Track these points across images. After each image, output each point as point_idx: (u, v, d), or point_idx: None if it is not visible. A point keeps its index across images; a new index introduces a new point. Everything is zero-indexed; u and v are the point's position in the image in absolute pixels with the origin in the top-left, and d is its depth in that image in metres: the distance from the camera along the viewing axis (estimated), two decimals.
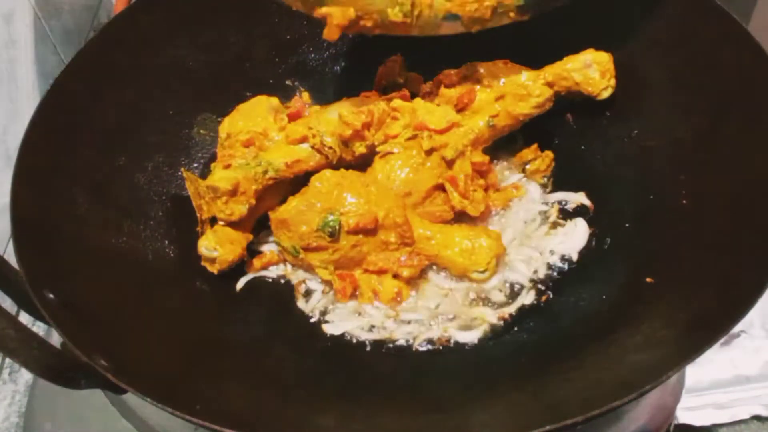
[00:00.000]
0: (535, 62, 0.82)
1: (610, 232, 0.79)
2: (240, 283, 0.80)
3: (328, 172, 0.77)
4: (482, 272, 0.76)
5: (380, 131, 0.81)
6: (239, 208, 0.78)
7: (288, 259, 0.80)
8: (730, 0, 0.78)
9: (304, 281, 0.80)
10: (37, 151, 0.76)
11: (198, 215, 0.79)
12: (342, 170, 0.77)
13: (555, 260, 0.79)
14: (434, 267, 0.79)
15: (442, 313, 0.76)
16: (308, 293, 0.79)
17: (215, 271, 0.78)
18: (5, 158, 1.00)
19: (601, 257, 0.78)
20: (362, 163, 0.81)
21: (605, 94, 0.82)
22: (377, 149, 0.81)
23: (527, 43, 0.82)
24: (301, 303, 0.79)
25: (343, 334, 0.75)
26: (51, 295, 0.64)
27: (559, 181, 0.86)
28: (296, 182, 0.80)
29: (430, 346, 0.74)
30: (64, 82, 0.81)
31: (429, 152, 0.79)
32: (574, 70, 0.81)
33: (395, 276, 0.77)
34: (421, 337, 0.74)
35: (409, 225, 0.76)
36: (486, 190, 0.82)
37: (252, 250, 0.82)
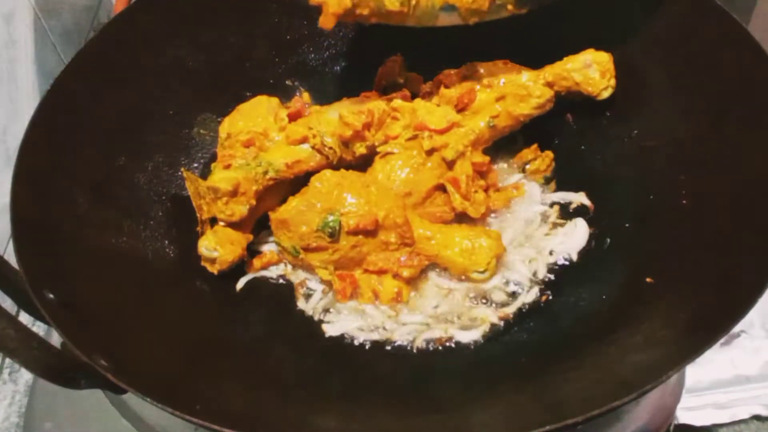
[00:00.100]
0: (535, 62, 0.82)
1: (610, 232, 0.79)
2: (240, 283, 0.80)
3: (328, 173, 0.77)
4: (482, 272, 0.76)
5: (380, 131, 0.81)
6: (240, 209, 0.78)
7: (288, 259, 0.80)
8: (730, 0, 0.78)
9: (304, 281, 0.80)
10: (37, 151, 0.76)
11: (198, 215, 0.79)
12: (342, 170, 0.77)
13: (555, 260, 0.79)
14: (434, 267, 0.79)
15: (442, 313, 0.76)
16: (308, 293, 0.79)
17: (215, 272, 0.78)
18: (5, 158, 1.00)
19: (601, 257, 0.78)
20: (362, 164, 0.81)
21: (605, 94, 0.82)
22: (377, 149, 0.81)
23: (527, 43, 0.83)
24: (301, 303, 0.79)
25: (343, 335, 0.75)
26: (51, 295, 0.64)
27: (559, 181, 0.86)
28: (296, 182, 0.80)
29: (430, 347, 0.74)
30: (64, 82, 0.81)
31: (429, 152, 0.79)
32: (574, 70, 0.81)
33: (395, 276, 0.77)
34: (421, 337, 0.74)
35: (409, 225, 0.76)
36: (486, 190, 0.82)
37: (252, 250, 0.82)
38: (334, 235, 0.75)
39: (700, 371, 0.97)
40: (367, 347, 0.74)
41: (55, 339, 0.71)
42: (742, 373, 0.98)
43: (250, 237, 0.81)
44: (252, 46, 0.94)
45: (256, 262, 0.81)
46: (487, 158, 0.81)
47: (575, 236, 0.80)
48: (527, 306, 0.76)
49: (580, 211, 0.83)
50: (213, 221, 0.80)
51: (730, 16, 0.78)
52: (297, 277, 0.80)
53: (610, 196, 0.82)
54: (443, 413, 0.64)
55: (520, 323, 0.75)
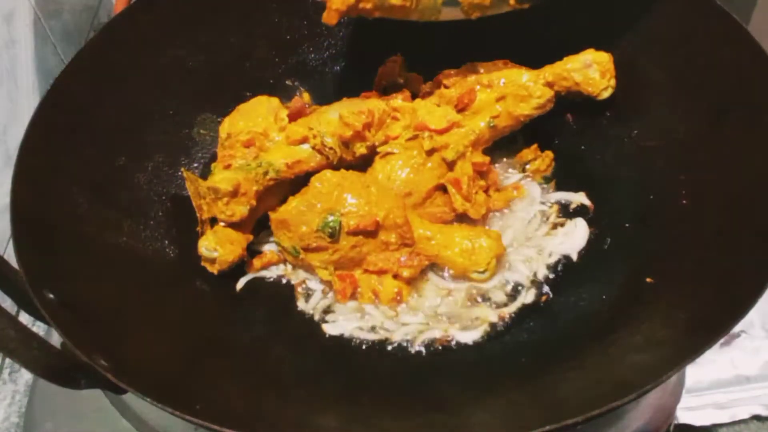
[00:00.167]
0: (535, 62, 0.82)
1: (610, 232, 0.79)
2: (240, 283, 0.80)
3: (328, 173, 0.77)
4: (482, 272, 0.76)
5: (381, 132, 0.81)
6: (240, 209, 0.78)
7: (288, 259, 0.80)
8: (730, 0, 0.78)
9: (304, 281, 0.80)
10: (37, 151, 0.76)
11: (198, 215, 0.79)
12: (342, 171, 0.77)
13: (555, 260, 0.79)
14: (434, 267, 0.79)
15: (442, 313, 0.76)
16: (308, 293, 0.79)
17: (215, 272, 0.78)
18: (5, 158, 1.00)
19: (601, 257, 0.78)
20: (362, 164, 0.81)
21: (605, 94, 0.82)
22: (378, 150, 0.81)
23: (527, 43, 0.83)
24: (301, 303, 0.79)
25: (343, 335, 0.75)
26: (51, 295, 0.64)
27: (559, 181, 0.86)
28: (296, 182, 0.80)
29: (430, 347, 0.74)
30: (64, 82, 0.81)
31: (430, 153, 0.79)
32: (574, 70, 0.81)
33: (395, 276, 0.77)
34: (421, 337, 0.74)
35: (410, 225, 0.76)
36: (486, 190, 0.82)
37: (252, 251, 0.82)
38: (334, 236, 0.75)
39: (700, 371, 0.97)
40: (367, 347, 0.74)
41: (55, 339, 0.70)
42: (742, 373, 0.98)
43: (250, 237, 0.81)
44: (252, 46, 0.94)
45: (256, 262, 0.81)
46: (487, 158, 0.81)
47: (575, 236, 0.80)
48: (527, 306, 0.76)
49: (580, 211, 0.83)
50: (213, 221, 0.80)
51: (730, 16, 0.78)
52: (297, 277, 0.80)
53: (610, 196, 0.82)
54: (443, 413, 0.64)
55: (520, 323, 0.75)
